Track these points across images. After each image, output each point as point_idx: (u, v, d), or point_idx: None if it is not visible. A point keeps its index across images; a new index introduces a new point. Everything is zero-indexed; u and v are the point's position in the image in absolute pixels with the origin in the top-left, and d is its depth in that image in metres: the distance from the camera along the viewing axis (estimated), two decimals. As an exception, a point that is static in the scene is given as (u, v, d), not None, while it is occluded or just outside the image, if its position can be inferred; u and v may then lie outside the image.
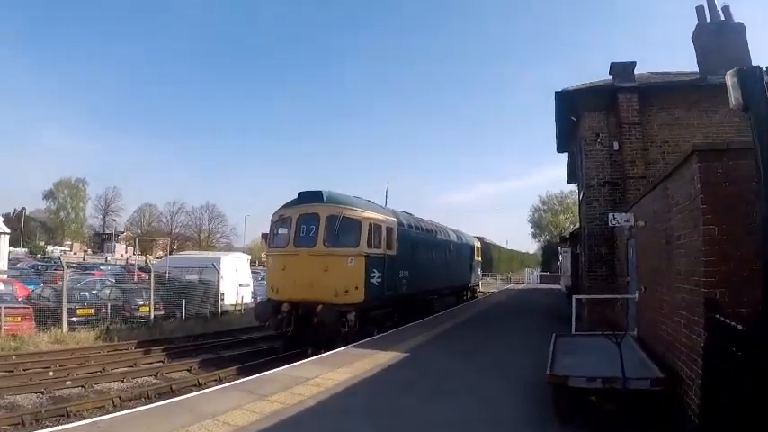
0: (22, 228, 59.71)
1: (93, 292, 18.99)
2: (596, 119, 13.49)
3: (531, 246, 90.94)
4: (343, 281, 12.10)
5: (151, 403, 8.33)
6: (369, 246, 12.71)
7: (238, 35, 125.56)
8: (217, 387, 7.24)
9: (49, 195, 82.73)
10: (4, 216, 65.67)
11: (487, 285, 41.85)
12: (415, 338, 11.85)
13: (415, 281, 15.87)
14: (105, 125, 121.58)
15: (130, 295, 17.83)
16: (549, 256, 67.40)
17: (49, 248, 62.05)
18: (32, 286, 20.13)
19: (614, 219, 9.61)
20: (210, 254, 34.98)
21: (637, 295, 8.76)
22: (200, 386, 10.30)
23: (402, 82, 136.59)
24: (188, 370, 11.87)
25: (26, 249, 53.05)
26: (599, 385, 5.33)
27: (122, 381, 10.76)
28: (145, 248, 74.21)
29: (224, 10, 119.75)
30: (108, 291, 18.72)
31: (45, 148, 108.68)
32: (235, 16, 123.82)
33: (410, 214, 17.66)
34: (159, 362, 12.68)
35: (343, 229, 12.47)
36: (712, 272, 4.65)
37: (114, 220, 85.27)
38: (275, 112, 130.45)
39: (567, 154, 20.76)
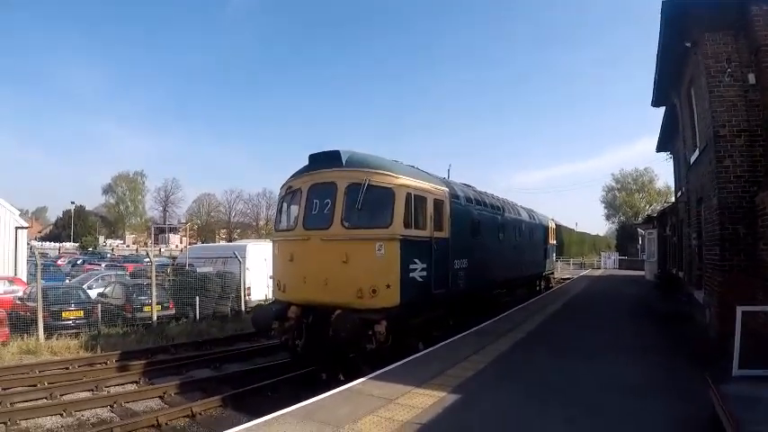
0: (73, 223, 60.37)
1: (100, 290, 16.50)
2: (722, 42, 9.47)
3: (602, 227, 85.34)
4: (369, 276, 8.35)
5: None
6: (407, 225, 8.80)
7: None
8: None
9: (108, 190, 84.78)
10: (63, 212, 67.85)
11: (560, 271, 36.96)
12: (471, 361, 7.94)
13: (477, 273, 11.78)
14: (159, 119, 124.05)
15: (135, 293, 15.04)
16: (624, 239, 62.23)
17: (108, 242, 62.66)
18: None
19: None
20: (238, 242, 32.34)
21: None
22: (158, 428, 7.30)
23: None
24: (160, 397, 8.76)
25: (77, 244, 53.17)
26: None
27: (62, 414, 7.80)
28: (206, 238, 74.37)
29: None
30: (112, 288, 16.04)
31: (105, 144, 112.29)
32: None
33: (469, 186, 13.62)
34: (132, 383, 9.66)
35: (370, 201, 8.62)
36: None
37: (167, 211, 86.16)
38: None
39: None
